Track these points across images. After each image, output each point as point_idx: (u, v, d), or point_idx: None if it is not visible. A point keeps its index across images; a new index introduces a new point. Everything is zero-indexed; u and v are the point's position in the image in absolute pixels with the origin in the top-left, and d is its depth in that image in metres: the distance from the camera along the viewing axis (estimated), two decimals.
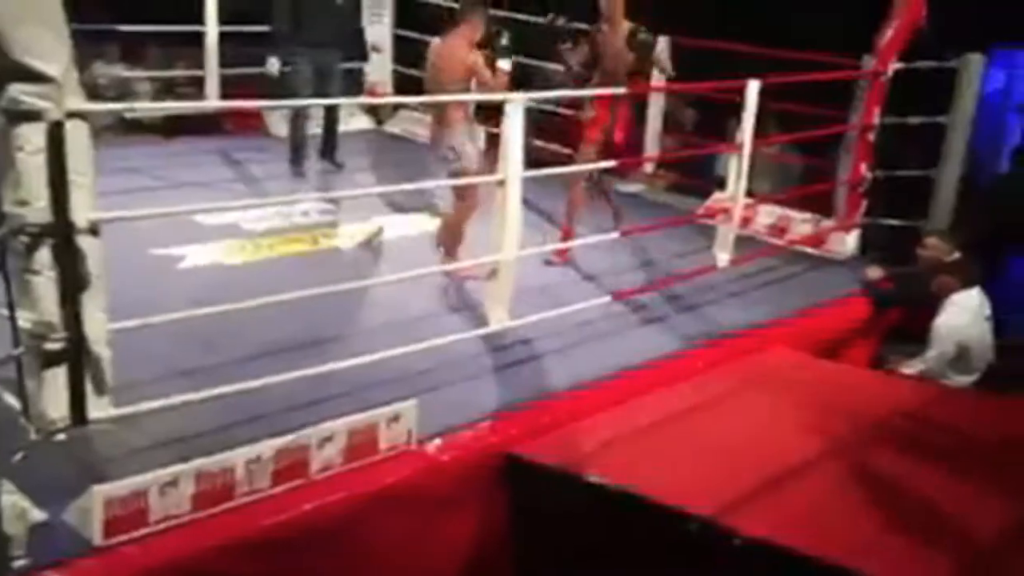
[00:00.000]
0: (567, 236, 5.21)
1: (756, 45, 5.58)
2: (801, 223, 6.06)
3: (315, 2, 6.34)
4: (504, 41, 4.86)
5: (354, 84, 7.93)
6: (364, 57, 7.43)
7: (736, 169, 5.08)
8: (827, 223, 6.00)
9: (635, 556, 3.28)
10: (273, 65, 6.40)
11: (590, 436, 3.67)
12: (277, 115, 7.32)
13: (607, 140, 5.21)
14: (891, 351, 5.28)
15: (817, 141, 6.06)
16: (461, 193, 4.80)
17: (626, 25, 5.17)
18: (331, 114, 6.82)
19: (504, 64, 4.77)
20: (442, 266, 4.73)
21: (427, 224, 5.75)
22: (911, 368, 4.91)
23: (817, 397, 4.20)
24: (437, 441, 3.44)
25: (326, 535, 3.10)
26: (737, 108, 5.06)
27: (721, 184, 5.53)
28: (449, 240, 4.90)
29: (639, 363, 4.22)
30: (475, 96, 4.88)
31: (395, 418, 3.34)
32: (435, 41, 4.96)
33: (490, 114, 5.24)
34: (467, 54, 4.72)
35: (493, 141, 4.72)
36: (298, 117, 6.59)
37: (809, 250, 5.89)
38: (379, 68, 8.17)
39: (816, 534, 3.06)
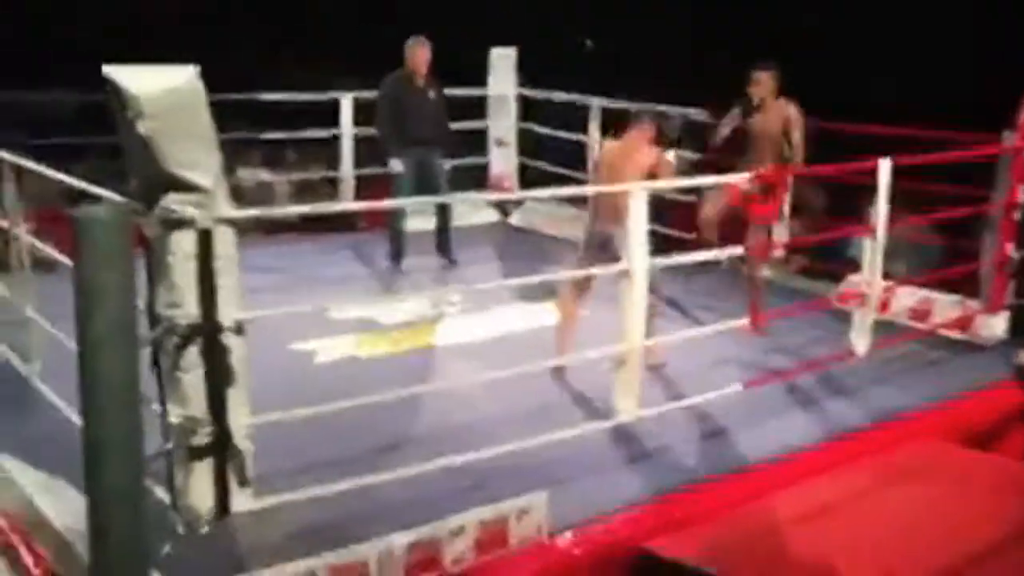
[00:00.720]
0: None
1: (887, 125, 5.47)
2: (944, 306, 5.80)
3: (412, 104, 6.62)
4: (672, 134, 5.03)
5: (476, 178, 8.19)
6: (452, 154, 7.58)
7: (871, 251, 4.93)
8: (972, 304, 5.73)
9: None
10: (397, 165, 6.65)
11: (727, 533, 3.54)
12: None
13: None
14: None
15: (956, 222, 5.83)
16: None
17: (782, 107, 5.22)
18: (443, 210, 6.99)
19: (670, 155, 4.92)
20: (557, 359, 4.71)
21: (554, 315, 5.79)
22: None
23: (968, 491, 3.95)
24: (568, 535, 3.39)
25: None
26: (868, 189, 4.94)
27: (855, 267, 5.37)
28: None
29: (776, 455, 4.07)
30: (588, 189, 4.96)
31: (526, 511, 3.32)
32: (609, 143, 5.15)
33: None
34: (647, 154, 4.86)
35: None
36: (396, 216, 6.78)
37: (954, 335, 5.62)
38: (503, 161, 8.38)
39: None
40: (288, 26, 12.68)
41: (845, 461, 4.14)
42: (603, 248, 4.82)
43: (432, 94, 6.74)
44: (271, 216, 7.11)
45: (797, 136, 5.58)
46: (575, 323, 4.91)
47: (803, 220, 7.09)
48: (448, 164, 6.85)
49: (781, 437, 4.24)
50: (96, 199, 3.23)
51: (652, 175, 4.78)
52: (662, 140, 5.01)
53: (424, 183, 6.63)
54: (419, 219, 7.02)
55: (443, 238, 6.99)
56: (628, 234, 4.30)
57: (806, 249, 6.88)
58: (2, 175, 4.54)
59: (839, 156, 5.53)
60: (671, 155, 4.89)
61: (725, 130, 5.52)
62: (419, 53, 6.66)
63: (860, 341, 4.97)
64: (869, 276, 4.96)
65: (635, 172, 4.85)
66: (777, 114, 5.59)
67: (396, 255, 6.78)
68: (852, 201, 6.24)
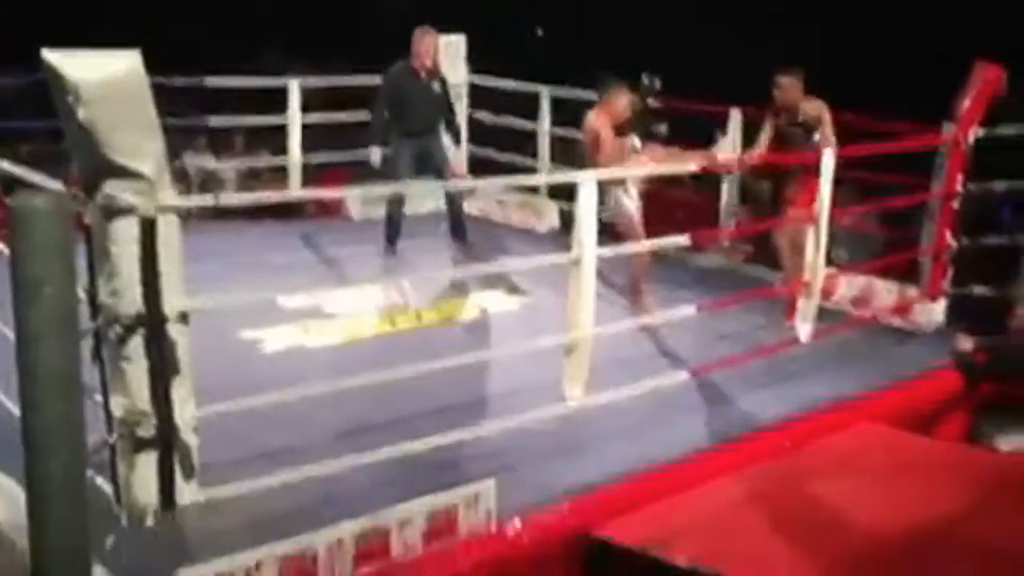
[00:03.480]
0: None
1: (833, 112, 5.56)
2: (885, 293, 5.92)
3: (415, 94, 6.61)
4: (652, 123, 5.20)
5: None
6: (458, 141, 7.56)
7: (815, 239, 5.01)
8: (912, 291, 5.86)
9: None
10: (376, 154, 6.64)
11: (672, 517, 3.59)
12: (358, 200, 7.54)
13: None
14: (986, 425, 5.07)
15: (897, 210, 5.95)
16: (629, 242, 5.21)
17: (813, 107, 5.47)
18: (451, 198, 6.96)
19: (635, 140, 5.21)
20: (518, 345, 4.73)
21: (504, 303, 5.81)
22: (1008, 443, 4.70)
23: (909, 474, 4.05)
24: (516, 522, 3.41)
25: None
26: (814, 177, 5.01)
27: None
28: (635, 293, 5.49)
29: (721, 441, 4.14)
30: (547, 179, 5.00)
31: (474, 499, 3.33)
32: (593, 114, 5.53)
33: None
34: (594, 124, 5.32)
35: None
36: (396, 201, 6.77)
37: (894, 322, 5.74)
38: (454, 151, 8.33)
39: None
40: (239, 10, 12.48)
41: (789, 446, 4.22)
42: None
43: (436, 84, 6.73)
44: (216, 204, 7.00)
45: (828, 132, 5.55)
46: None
47: (750, 209, 7.18)
48: (453, 150, 6.85)
49: (727, 422, 4.31)
50: (34, 187, 3.16)
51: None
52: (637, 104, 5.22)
53: (424, 170, 6.66)
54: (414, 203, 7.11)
55: (456, 224, 6.92)
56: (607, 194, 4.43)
57: (753, 238, 6.97)
58: None
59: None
60: (636, 141, 5.04)
61: (764, 138, 5.61)
62: (424, 42, 6.65)
63: (803, 327, 5.06)
64: (812, 264, 5.05)
65: (587, 140, 5.10)
66: (809, 115, 5.54)
67: (391, 238, 6.76)
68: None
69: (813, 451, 4.22)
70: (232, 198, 7.10)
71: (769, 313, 5.54)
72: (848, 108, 5.60)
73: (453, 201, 6.95)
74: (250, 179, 8.42)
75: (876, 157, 5.15)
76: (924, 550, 3.40)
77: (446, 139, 6.88)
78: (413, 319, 5.54)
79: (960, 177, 5.68)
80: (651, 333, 5.19)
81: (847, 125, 5.57)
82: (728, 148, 5.27)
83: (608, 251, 4.33)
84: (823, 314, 5.18)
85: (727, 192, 6.92)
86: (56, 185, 3.04)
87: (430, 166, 6.70)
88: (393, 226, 6.76)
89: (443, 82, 6.84)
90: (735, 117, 6.69)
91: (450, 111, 6.93)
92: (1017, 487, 3.99)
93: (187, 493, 3.01)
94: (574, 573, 3.47)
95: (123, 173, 2.79)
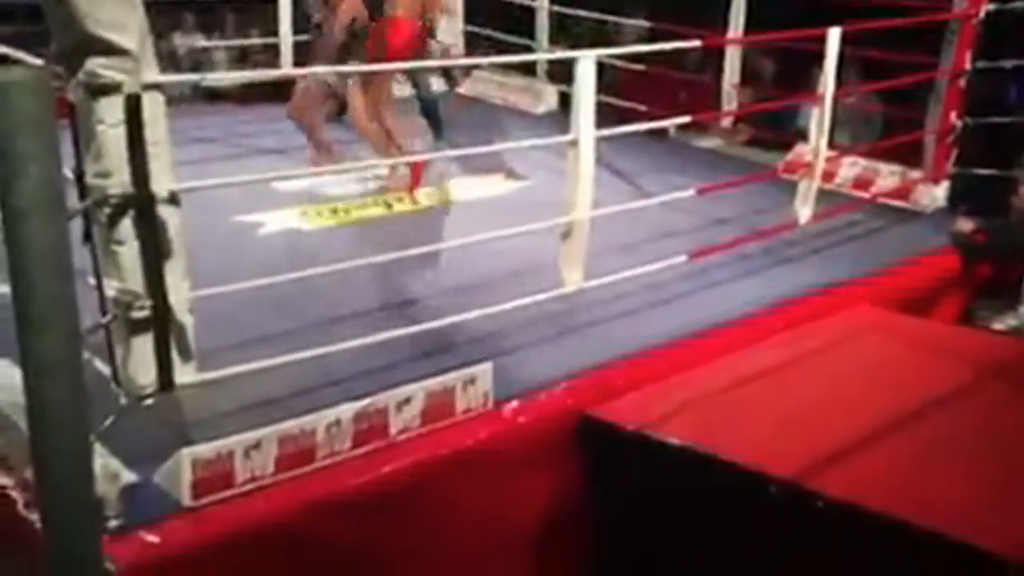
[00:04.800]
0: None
1: None
2: (887, 175, 5.85)
3: None
4: None
5: None
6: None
7: (818, 121, 4.92)
8: (914, 174, 5.79)
9: (714, 520, 3.25)
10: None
11: (667, 398, 3.63)
12: None
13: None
14: (982, 307, 5.08)
15: (904, 89, 5.82)
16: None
17: None
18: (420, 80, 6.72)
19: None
20: (515, 229, 4.70)
21: (501, 187, 5.74)
22: (1003, 324, 4.73)
23: (905, 355, 4.08)
24: (513, 403, 3.45)
25: (404, 496, 3.15)
26: (818, 57, 4.88)
27: (803, 137, 5.37)
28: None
29: (717, 323, 4.15)
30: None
31: (471, 381, 3.36)
32: None
33: None
34: None
35: None
36: None
37: (895, 203, 5.69)
38: (450, 30, 8.12)
39: (906, 499, 2.98)
40: None
41: (784, 328, 4.24)
42: None
43: None
44: (202, 82, 6.85)
45: None
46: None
47: (752, 89, 7.04)
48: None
49: (723, 306, 4.31)
50: (14, 62, 3.06)
51: None
52: None
53: None
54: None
55: (429, 116, 6.63)
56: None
57: (754, 118, 6.85)
58: None
59: (791, 23, 5.47)
60: None
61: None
62: None
63: (803, 210, 5.01)
64: (815, 145, 4.97)
65: None
66: None
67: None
68: (802, 69, 6.20)
69: (807, 332, 4.24)
70: (220, 78, 6.94)
71: (770, 197, 5.48)
72: None
73: (421, 85, 6.70)
74: (241, 60, 8.22)
75: (882, 33, 4.98)
76: (917, 431, 3.44)
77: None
78: (409, 202, 5.49)
79: (968, 55, 5.54)
80: (649, 216, 5.15)
81: None
82: None
83: (608, 132, 4.24)
84: (824, 197, 5.13)
85: (728, 72, 6.76)
86: (35, 61, 2.94)
87: None
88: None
89: None
90: None
91: None
92: (1010, 368, 4.02)
93: (185, 374, 3.02)
94: (571, 453, 3.53)
95: (106, 48, 2.69)
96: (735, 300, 4.39)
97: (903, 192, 5.73)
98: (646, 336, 3.97)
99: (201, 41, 8.12)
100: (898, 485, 3.09)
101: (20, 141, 2.16)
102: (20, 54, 3.19)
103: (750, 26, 6.50)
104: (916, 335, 4.41)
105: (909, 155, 5.85)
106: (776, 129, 6.59)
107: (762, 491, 3.08)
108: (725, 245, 4.75)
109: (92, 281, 2.91)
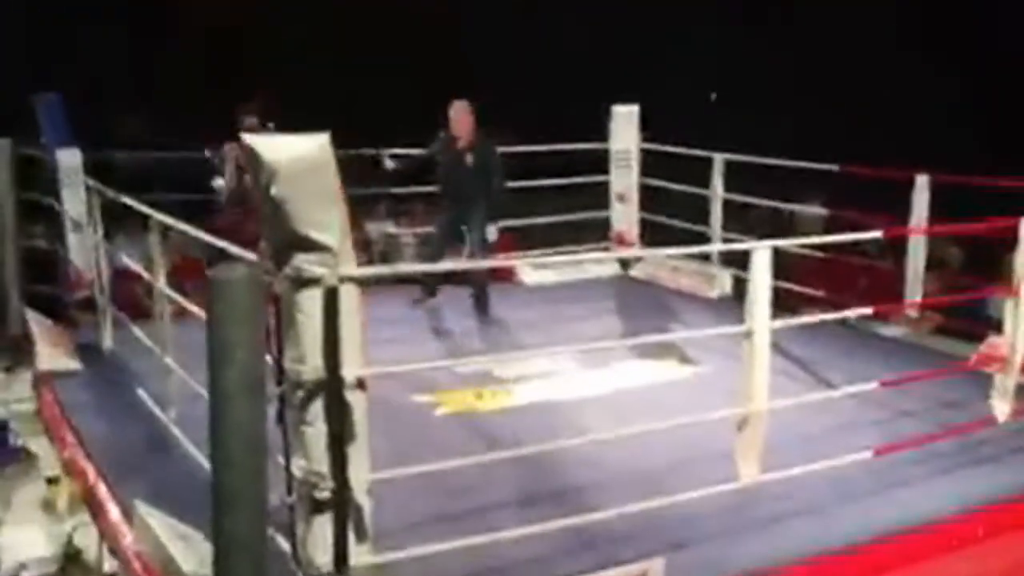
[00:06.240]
0: None
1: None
2: None
3: (449, 166, 6.91)
4: None
5: (599, 232, 8.23)
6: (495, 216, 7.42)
7: (1014, 312, 4.68)
8: None
9: None
10: (388, 162, 7.26)
11: None
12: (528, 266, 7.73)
13: None
14: None
15: None
16: None
17: None
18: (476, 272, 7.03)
19: None
20: (689, 418, 4.64)
21: (673, 371, 5.71)
22: None
23: None
24: None
25: None
26: (1010, 244, 4.70)
27: (995, 327, 5.10)
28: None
29: (907, 527, 3.87)
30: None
31: (643, 575, 3.26)
32: None
33: None
34: None
35: None
36: (432, 259, 7.08)
37: None
38: (625, 216, 8.37)
39: None
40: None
41: (984, 538, 3.90)
42: None
43: (470, 158, 6.90)
44: (393, 273, 7.31)
45: None
46: None
47: (938, 275, 6.80)
48: (493, 226, 6.94)
49: (913, 509, 4.02)
50: (230, 257, 3.39)
51: None
52: None
53: (463, 239, 7.02)
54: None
55: (474, 294, 7.01)
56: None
57: (941, 308, 6.58)
58: (149, 231, 4.84)
59: (971, 212, 5.32)
60: None
61: None
62: (459, 118, 6.90)
63: (1001, 406, 4.71)
64: (1011, 337, 4.71)
65: None
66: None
67: (423, 293, 7.06)
68: (992, 255, 5.96)
69: (1010, 543, 3.88)
70: (409, 270, 7.39)
71: (961, 390, 5.18)
72: None
73: (474, 275, 6.99)
74: (425, 244, 8.75)
75: None
76: None
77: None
78: (583, 386, 5.53)
79: None
80: (830, 407, 4.96)
81: None
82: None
83: (784, 323, 4.19)
84: (1021, 391, 4.80)
85: (913, 259, 6.59)
86: (250, 257, 3.24)
87: (465, 234, 6.97)
88: (424, 283, 7.05)
89: (484, 154, 6.93)
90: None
91: (489, 183, 6.95)
92: None
93: (360, 555, 3.09)
94: None
95: (310, 245, 2.95)
96: (927, 502, 4.09)
97: None
98: (829, 538, 3.75)
99: (391, 228, 8.76)
100: None
101: (232, 332, 2.39)
102: (236, 249, 3.53)
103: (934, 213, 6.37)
104: None
105: None
106: (965, 318, 6.29)
107: None
108: (915, 441, 4.49)
109: (281, 460, 3.07)
